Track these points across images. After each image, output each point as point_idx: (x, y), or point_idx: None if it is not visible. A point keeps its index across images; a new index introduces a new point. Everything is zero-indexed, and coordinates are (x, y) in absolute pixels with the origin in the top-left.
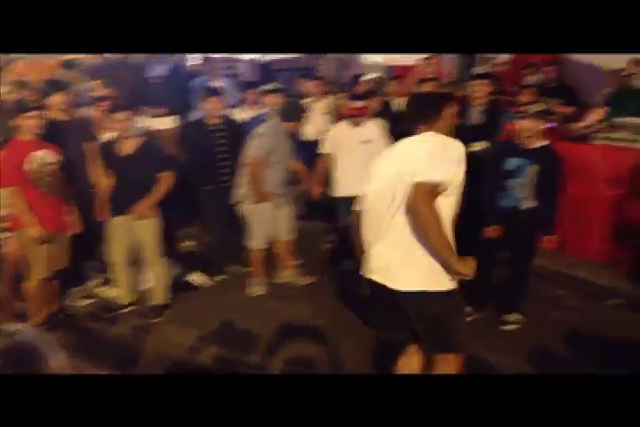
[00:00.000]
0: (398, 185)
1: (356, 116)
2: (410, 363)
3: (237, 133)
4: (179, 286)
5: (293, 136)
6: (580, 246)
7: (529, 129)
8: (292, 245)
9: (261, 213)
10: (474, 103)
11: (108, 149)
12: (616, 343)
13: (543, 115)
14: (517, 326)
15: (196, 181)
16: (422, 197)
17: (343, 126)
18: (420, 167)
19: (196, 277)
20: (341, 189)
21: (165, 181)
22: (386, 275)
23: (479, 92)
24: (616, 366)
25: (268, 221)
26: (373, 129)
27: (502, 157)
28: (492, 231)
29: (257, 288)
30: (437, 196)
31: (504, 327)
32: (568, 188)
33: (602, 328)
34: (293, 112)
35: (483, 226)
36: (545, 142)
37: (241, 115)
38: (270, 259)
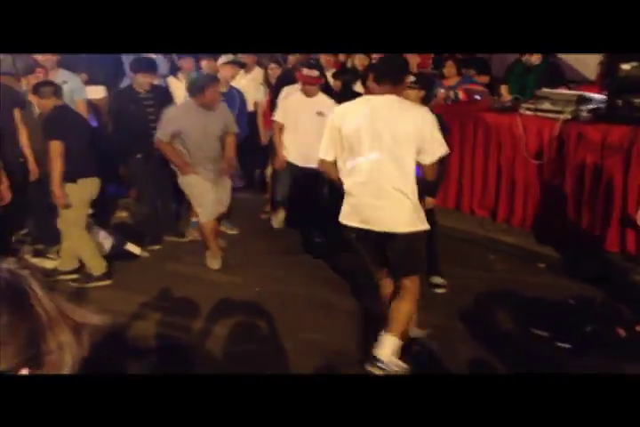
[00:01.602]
0: (397, 147)
1: (311, 84)
2: (385, 285)
3: (168, 101)
4: (117, 256)
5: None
6: (508, 214)
7: (407, 98)
8: (219, 219)
9: (194, 185)
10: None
11: (28, 114)
12: (540, 302)
13: (417, 84)
14: (445, 289)
15: (127, 150)
16: (433, 166)
17: (298, 96)
18: (433, 144)
19: (132, 248)
20: (291, 158)
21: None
22: (379, 222)
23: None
24: (541, 324)
25: (206, 192)
26: (326, 101)
27: None
28: None
29: (214, 262)
30: None
31: (435, 290)
32: (496, 157)
33: (528, 289)
34: (197, 85)
35: None
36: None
37: (175, 83)
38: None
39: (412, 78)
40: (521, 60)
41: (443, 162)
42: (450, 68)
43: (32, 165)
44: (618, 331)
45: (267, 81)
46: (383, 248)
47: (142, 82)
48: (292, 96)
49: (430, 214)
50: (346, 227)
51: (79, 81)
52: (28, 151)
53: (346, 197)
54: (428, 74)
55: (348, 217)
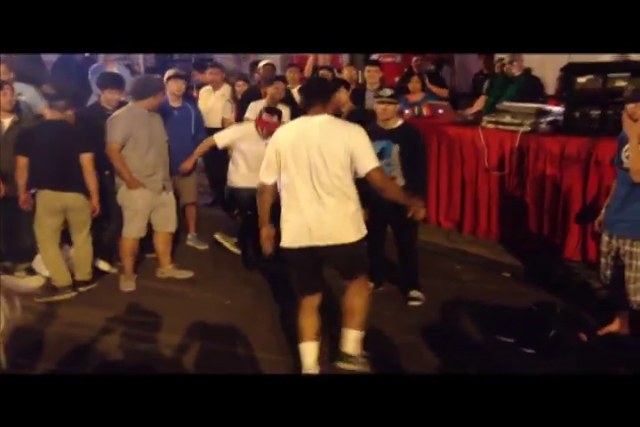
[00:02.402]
0: (330, 164)
1: (269, 131)
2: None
3: None
4: None
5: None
6: (473, 225)
7: (385, 112)
8: (169, 239)
9: (134, 199)
10: (370, 88)
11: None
12: (505, 310)
13: (394, 98)
14: (421, 302)
15: (96, 167)
16: (383, 176)
17: (252, 132)
18: (367, 155)
19: (101, 264)
20: (242, 180)
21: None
22: (325, 236)
23: (371, 77)
24: (506, 331)
25: (144, 209)
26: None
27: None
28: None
29: (126, 284)
30: None
31: (410, 303)
32: (460, 169)
33: (494, 298)
34: (142, 89)
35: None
36: (400, 122)
37: None
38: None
39: (388, 92)
40: (503, 72)
41: (424, 168)
42: (415, 84)
43: None
44: (580, 336)
45: (234, 97)
46: (321, 263)
47: (110, 98)
48: (245, 129)
49: (413, 232)
50: (287, 250)
51: (36, 93)
52: None
53: (285, 221)
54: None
55: (291, 239)
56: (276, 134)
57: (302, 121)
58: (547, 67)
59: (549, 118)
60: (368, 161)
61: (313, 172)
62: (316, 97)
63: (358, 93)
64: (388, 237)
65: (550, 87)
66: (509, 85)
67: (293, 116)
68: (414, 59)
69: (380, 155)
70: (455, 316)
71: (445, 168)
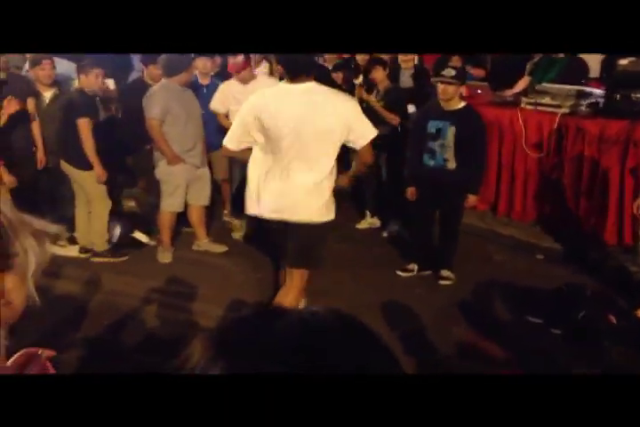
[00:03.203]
0: (319, 139)
1: (237, 72)
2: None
3: None
4: (125, 244)
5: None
6: (508, 207)
7: (445, 92)
8: (203, 212)
9: (174, 175)
10: (403, 66)
11: (39, 103)
12: (537, 291)
13: (456, 79)
14: (451, 282)
15: (137, 142)
16: (369, 148)
17: (232, 83)
18: (363, 127)
19: (139, 236)
20: None
21: (84, 128)
22: (292, 212)
23: (405, 56)
24: (536, 312)
25: (182, 183)
26: (264, 85)
27: (426, 119)
28: (409, 194)
29: (163, 256)
30: None
31: (440, 282)
32: (497, 151)
33: (526, 279)
34: (173, 65)
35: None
36: (463, 104)
37: None
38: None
39: (452, 72)
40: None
41: (482, 154)
42: (456, 63)
43: (40, 154)
44: (609, 318)
45: (272, 75)
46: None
47: (154, 74)
48: (226, 84)
49: (459, 216)
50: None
51: (70, 66)
52: (39, 140)
53: (260, 188)
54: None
55: (267, 208)
56: (256, 101)
57: (288, 90)
58: None
59: (590, 100)
60: (368, 131)
61: (292, 145)
62: (302, 70)
63: (394, 71)
64: None
65: (593, 70)
66: (551, 67)
67: None
68: None
69: (435, 135)
70: (486, 296)
71: None
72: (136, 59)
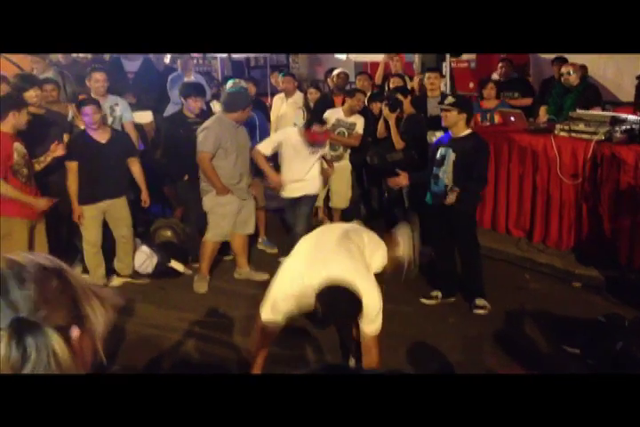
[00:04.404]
0: None
1: (316, 141)
2: None
3: None
4: (161, 273)
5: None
6: (544, 234)
7: (446, 119)
8: (246, 241)
9: (222, 205)
10: (430, 95)
11: (79, 140)
12: (573, 320)
13: (455, 106)
14: (486, 311)
15: (175, 173)
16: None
17: (294, 137)
18: None
19: (176, 265)
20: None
21: (137, 164)
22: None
23: (431, 84)
24: (573, 342)
25: (230, 214)
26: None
27: (438, 147)
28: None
29: (199, 285)
30: None
31: (475, 311)
32: (532, 177)
33: (562, 307)
34: (234, 102)
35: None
36: (468, 132)
37: (218, 107)
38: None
39: (450, 100)
40: (560, 82)
41: (479, 172)
42: (490, 91)
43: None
44: None
45: (306, 105)
46: None
47: (194, 106)
48: (290, 134)
49: (472, 234)
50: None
51: (127, 104)
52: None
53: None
54: (465, 96)
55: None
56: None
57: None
58: (624, 73)
59: (624, 127)
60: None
61: None
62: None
63: (423, 99)
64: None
65: (626, 94)
66: (568, 95)
67: (366, 126)
68: (499, 65)
69: (440, 161)
70: (521, 325)
71: (516, 176)
72: (172, 92)
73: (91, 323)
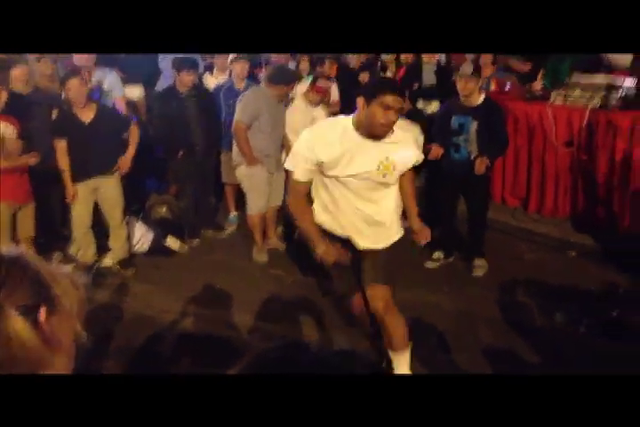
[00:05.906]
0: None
1: (319, 94)
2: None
3: (208, 99)
4: (157, 251)
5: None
6: (540, 203)
7: (465, 88)
8: (276, 212)
9: (254, 177)
10: (425, 61)
11: (62, 121)
12: (569, 288)
13: (475, 74)
14: (484, 271)
15: (168, 148)
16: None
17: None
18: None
19: (172, 242)
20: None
21: (135, 133)
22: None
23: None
24: (568, 310)
25: (262, 185)
26: (321, 112)
27: (449, 116)
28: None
29: (259, 256)
30: None
31: (474, 271)
32: (527, 146)
33: (558, 276)
34: (281, 76)
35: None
36: (482, 98)
37: (211, 80)
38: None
39: (470, 69)
40: None
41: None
42: (485, 58)
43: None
44: None
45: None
46: None
47: (186, 80)
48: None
49: (484, 203)
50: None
51: (117, 78)
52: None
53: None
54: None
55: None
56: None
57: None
58: None
59: (620, 93)
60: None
61: None
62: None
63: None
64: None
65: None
66: (565, 61)
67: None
68: None
69: (459, 130)
70: (516, 293)
71: (512, 145)
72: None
73: (62, 303)
